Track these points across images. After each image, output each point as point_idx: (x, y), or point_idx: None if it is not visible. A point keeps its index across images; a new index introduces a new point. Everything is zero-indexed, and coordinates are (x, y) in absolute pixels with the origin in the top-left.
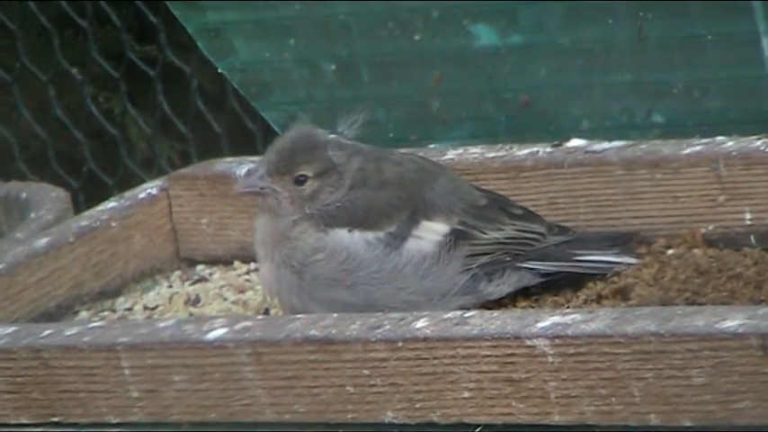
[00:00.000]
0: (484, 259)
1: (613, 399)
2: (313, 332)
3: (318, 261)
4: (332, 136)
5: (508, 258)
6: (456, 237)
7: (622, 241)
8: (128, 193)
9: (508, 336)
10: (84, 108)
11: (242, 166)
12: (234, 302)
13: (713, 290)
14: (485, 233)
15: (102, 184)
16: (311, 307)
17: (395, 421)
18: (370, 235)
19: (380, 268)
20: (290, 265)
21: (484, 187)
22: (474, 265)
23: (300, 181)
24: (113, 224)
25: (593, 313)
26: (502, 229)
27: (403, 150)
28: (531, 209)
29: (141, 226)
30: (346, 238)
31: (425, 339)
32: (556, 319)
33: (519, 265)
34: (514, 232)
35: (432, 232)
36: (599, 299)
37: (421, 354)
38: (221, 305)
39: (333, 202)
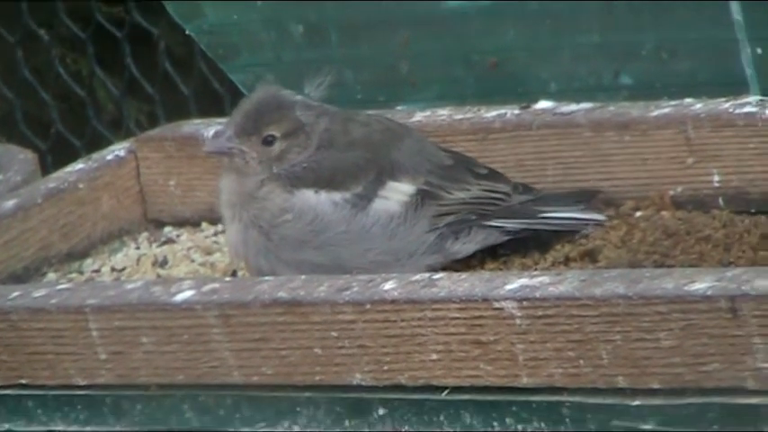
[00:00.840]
0: (450, 218)
1: (581, 361)
2: (281, 294)
3: (287, 222)
4: (299, 97)
5: (474, 217)
6: (422, 197)
7: (587, 198)
8: (96, 155)
9: (476, 298)
10: (51, 70)
11: (210, 128)
12: (201, 264)
13: (682, 252)
14: (451, 193)
15: (70, 146)
16: (279, 268)
17: (363, 383)
18: (336, 195)
19: (348, 229)
20: (257, 226)
21: (450, 148)
22: (440, 225)
23: (268, 141)
24: (81, 186)
25: (561, 275)
26: (468, 189)
27: (370, 112)
28: (499, 170)
29: (109, 188)
30: (312, 198)
31: (393, 301)
32: (524, 281)
33: (485, 223)
34: (480, 192)
35: (398, 192)
36: (567, 261)
37: (389, 316)
38: (189, 267)
39: (299, 162)
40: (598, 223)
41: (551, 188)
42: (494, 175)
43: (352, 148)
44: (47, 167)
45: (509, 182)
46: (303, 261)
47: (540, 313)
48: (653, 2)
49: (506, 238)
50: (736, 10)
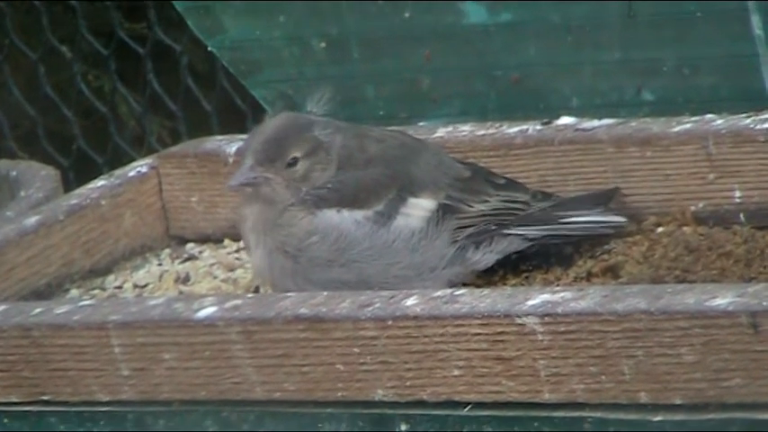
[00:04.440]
0: (471, 230)
1: (603, 377)
2: (303, 310)
3: (313, 244)
4: (314, 117)
5: (494, 227)
6: (443, 211)
7: (605, 200)
8: (118, 172)
9: (498, 314)
10: (73, 86)
11: (232, 145)
12: (224, 280)
13: (703, 267)
14: (471, 206)
15: (92, 163)
16: (307, 288)
17: (385, 399)
18: (358, 214)
19: (372, 245)
20: (284, 251)
21: (465, 160)
22: (461, 237)
23: (291, 164)
24: (103, 202)
25: (583, 291)
26: (488, 201)
27: (391, 128)
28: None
29: (131, 204)
30: (335, 217)
31: (415, 317)
32: (546, 296)
33: (506, 232)
34: (500, 203)
35: (419, 209)
36: (589, 276)
37: (411, 332)
38: (211, 283)
39: (324, 184)
40: (618, 226)
41: None
42: (512, 185)
43: (371, 164)
44: (69, 184)
45: (527, 190)
46: (331, 280)
47: (562, 329)
48: (674, 18)
49: (528, 244)
50: (757, 25)
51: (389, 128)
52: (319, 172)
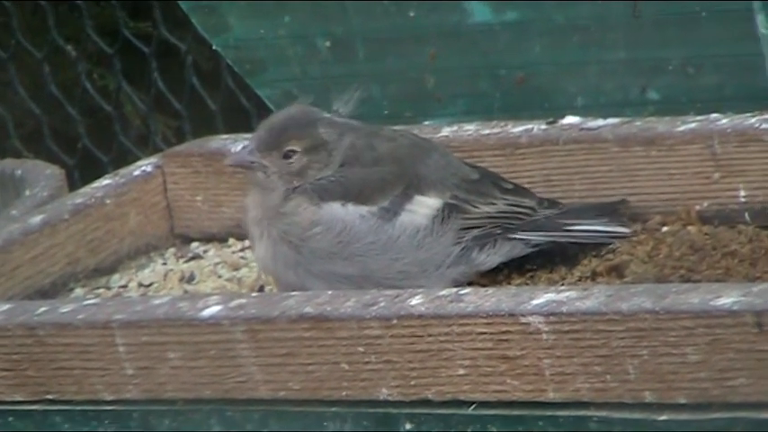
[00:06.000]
0: (476, 232)
1: (608, 376)
2: (308, 309)
3: (316, 234)
4: (326, 114)
5: (499, 231)
6: (449, 210)
7: (610, 210)
8: (122, 171)
9: (503, 313)
10: (78, 85)
11: (237, 144)
12: (228, 280)
13: (708, 267)
14: (477, 207)
15: (97, 162)
16: (308, 281)
17: (389, 398)
18: (363, 209)
19: (376, 239)
20: (287, 241)
21: (475, 164)
22: (466, 238)
23: (288, 156)
24: (108, 201)
25: (588, 290)
26: (494, 204)
27: (396, 127)
28: (526, 185)
29: (136, 203)
30: (340, 210)
31: (420, 317)
32: (550, 296)
33: (510, 236)
34: (506, 206)
35: (425, 206)
36: (594, 276)
37: (415, 331)
38: (216, 282)
39: (325, 177)
40: (622, 236)
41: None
42: (519, 191)
43: (379, 163)
44: (74, 183)
45: (534, 197)
46: (333, 273)
47: (566, 328)
48: (679, 18)
49: (531, 250)
50: (762, 24)
51: (403, 128)
52: (315, 170)
